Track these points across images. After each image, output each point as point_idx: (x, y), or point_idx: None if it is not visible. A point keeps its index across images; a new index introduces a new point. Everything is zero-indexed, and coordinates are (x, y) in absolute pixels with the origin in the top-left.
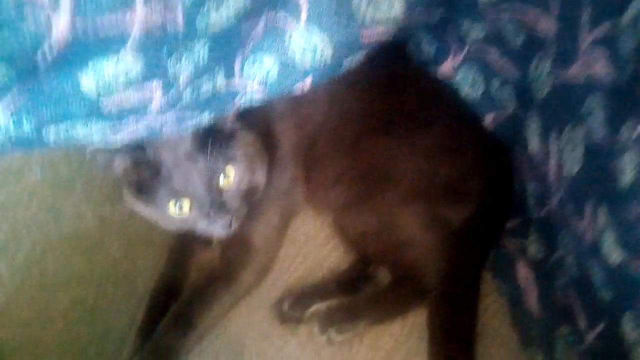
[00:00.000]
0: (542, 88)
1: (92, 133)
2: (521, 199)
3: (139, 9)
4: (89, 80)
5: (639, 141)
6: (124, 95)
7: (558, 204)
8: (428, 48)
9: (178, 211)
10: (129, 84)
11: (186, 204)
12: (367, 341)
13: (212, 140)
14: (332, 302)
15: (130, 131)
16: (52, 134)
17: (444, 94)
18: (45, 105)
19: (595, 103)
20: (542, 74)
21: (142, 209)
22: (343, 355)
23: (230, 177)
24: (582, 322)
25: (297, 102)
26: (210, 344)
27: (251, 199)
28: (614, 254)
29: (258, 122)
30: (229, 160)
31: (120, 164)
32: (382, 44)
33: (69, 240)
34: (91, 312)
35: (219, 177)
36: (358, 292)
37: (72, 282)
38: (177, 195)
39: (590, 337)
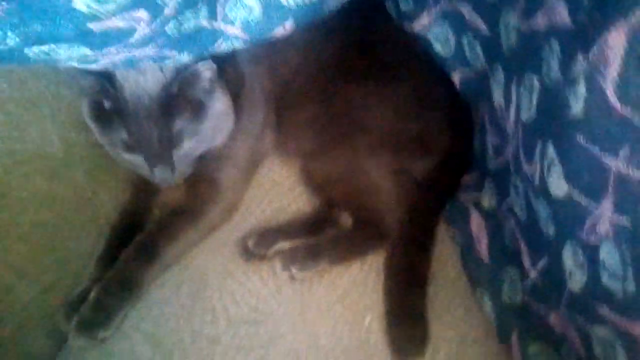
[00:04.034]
0: (508, 40)
1: (72, 57)
2: (479, 154)
3: None
4: None
5: (589, 72)
6: (111, 21)
7: (513, 151)
8: (404, 3)
9: (125, 153)
10: (118, 9)
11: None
12: (326, 280)
13: (179, 108)
14: (295, 242)
15: (109, 60)
16: (33, 53)
17: (416, 50)
18: (34, 22)
19: (553, 47)
20: (509, 26)
21: (95, 131)
22: (303, 292)
23: (184, 147)
24: (527, 261)
25: (271, 48)
26: (172, 277)
27: (203, 158)
28: (559, 187)
29: (231, 65)
30: (190, 132)
31: (87, 85)
32: None
33: (34, 161)
34: (52, 237)
35: (173, 144)
36: (321, 234)
37: (35, 204)
38: (128, 145)
39: (533, 274)
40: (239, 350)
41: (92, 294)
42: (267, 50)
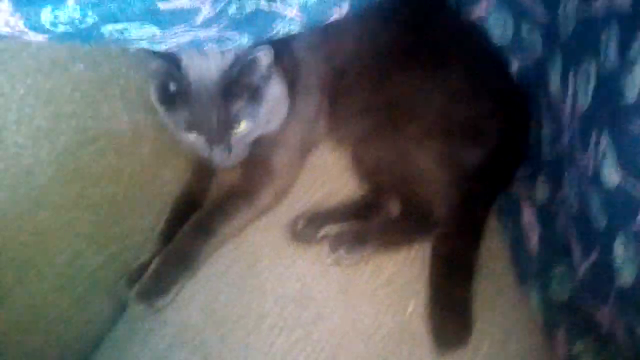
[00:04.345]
0: (567, 28)
1: (142, 36)
2: (535, 147)
3: None
4: None
5: None
6: (178, 2)
7: (568, 142)
8: None
9: (187, 133)
10: None
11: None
12: (372, 265)
13: (237, 92)
14: (343, 226)
15: (175, 42)
16: (108, 32)
17: (473, 37)
18: (109, 1)
19: (611, 33)
20: (569, 13)
21: (160, 112)
22: (348, 275)
23: (242, 128)
24: (577, 256)
25: (326, 36)
26: (226, 253)
27: (259, 142)
28: (612, 176)
29: (288, 52)
30: (247, 116)
31: (155, 68)
32: None
33: (104, 137)
34: (118, 210)
35: (231, 126)
36: (369, 219)
37: (104, 178)
38: (190, 126)
39: (583, 269)
40: (284, 328)
41: (153, 266)
42: (322, 38)
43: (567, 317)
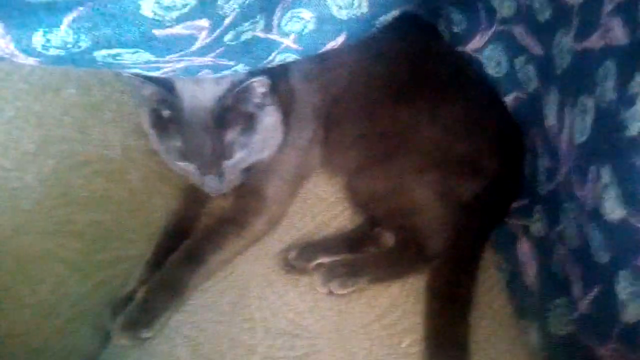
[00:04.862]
0: (562, 62)
1: (136, 63)
2: (530, 179)
3: None
4: (148, 4)
5: None
6: (174, 29)
7: (565, 175)
8: (457, 25)
9: (179, 161)
10: (181, 17)
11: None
12: (365, 298)
13: (232, 119)
14: (336, 258)
15: (170, 68)
16: (101, 56)
17: (468, 72)
18: (104, 26)
19: (608, 68)
20: (564, 47)
21: (152, 139)
22: (340, 308)
23: (235, 158)
24: (577, 290)
25: (322, 66)
26: (216, 284)
27: (252, 169)
28: (615, 211)
29: (283, 81)
30: (241, 145)
31: (148, 93)
32: (413, 20)
33: (94, 163)
34: (105, 237)
35: (225, 156)
36: (362, 251)
37: (92, 204)
38: (182, 153)
39: (584, 304)
40: None
41: (139, 295)
42: (318, 67)
43: (568, 354)
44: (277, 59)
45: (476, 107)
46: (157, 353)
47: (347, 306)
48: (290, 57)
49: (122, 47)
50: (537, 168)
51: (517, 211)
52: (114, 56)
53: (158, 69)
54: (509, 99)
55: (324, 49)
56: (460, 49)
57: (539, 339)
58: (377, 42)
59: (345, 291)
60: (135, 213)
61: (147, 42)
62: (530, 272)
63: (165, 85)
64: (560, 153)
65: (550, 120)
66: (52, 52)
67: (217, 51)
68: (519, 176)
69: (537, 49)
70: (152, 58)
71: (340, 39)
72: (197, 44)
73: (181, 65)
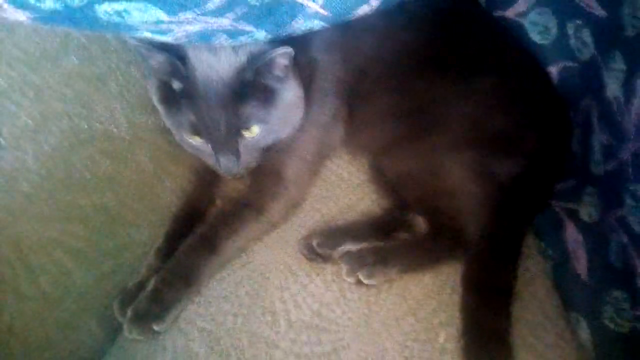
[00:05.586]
0: (634, 25)
1: (146, 22)
2: (581, 158)
3: None
4: None
5: None
6: None
7: (633, 153)
8: None
9: (191, 137)
10: None
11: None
12: (396, 289)
13: (250, 93)
14: (363, 245)
15: (183, 32)
16: (105, 13)
17: (507, 40)
18: None
19: None
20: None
21: (162, 113)
22: (369, 300)
23: (253, 133)
24: None
25: (346, 35)
26: (233, 273)
27: (270, 150)
28: None
29: (304, 52)
30: (259, 120)
31: (158, 63)
32: None
33: (99, 141)
34: (112, 223)
35: (242, 131)
36: (392, 238)
37: (97, 187)
38: (195, 129)
39: None
40: (299, 358)
41: (150, 285)
42: (341, 36)
43: (626, 352)
44: (301, 26)
45: (513, 78)
46: (171, 348)
47: (377, 297)
48: (317, 25)
49: (129, 0)
50: (591, 145)
51: (562, 193)
52: (120, 13)
53: (170, 31)
54: (554, 69)
55: (355, 16)
56: (498, 13)
57: (592, 334)
58: (406, 6)
59: (374, 282)
60: (144, 196)
61: None
62: (581, 261)
63: (177, 54)
64: (623, 129)
65: (612, 90)
66: (48, 4)
67: (237, 11)
68: (563, 154)
69: (600, 11)
70: (164, 17)
71: (374, 3)
72: (215, 0)
73: (196, 27)
